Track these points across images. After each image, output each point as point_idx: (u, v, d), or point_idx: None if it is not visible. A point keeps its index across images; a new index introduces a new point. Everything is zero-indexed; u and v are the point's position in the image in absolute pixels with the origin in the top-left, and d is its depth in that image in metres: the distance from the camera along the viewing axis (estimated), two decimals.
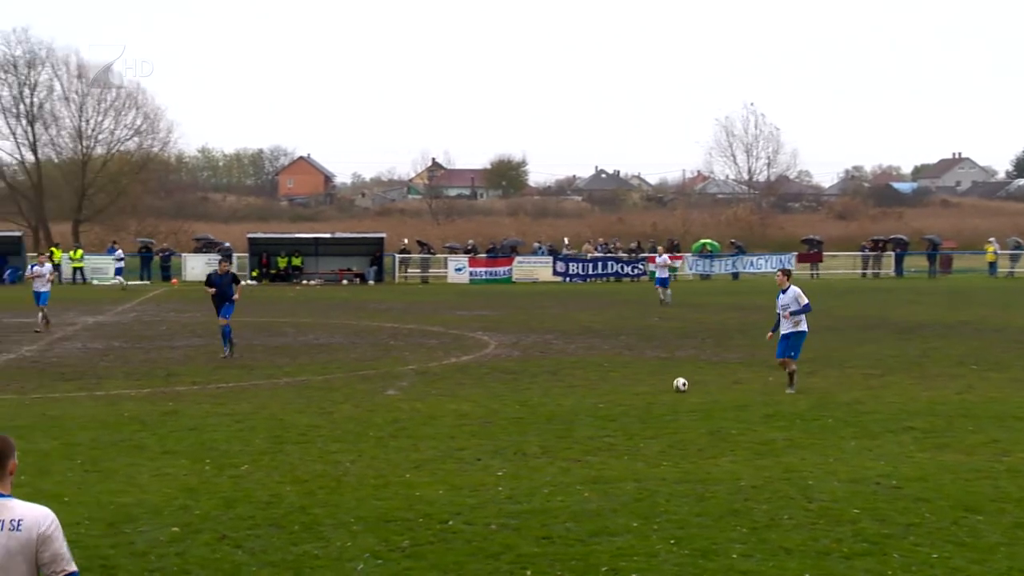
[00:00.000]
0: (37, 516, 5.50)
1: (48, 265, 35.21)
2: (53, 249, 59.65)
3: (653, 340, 30.08)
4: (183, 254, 64.00)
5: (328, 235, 66.64)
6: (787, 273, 20.64)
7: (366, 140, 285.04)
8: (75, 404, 19.50)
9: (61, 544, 5.51)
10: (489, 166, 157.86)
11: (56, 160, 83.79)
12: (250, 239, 63.40)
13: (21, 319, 35.84)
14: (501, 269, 61.74)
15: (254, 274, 60.33)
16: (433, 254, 65.19)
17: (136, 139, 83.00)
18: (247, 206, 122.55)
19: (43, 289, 33.00)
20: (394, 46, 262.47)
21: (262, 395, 20.61)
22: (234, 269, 31.99)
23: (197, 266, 61.06)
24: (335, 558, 10.50)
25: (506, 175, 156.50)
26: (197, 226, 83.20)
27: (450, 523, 11.66)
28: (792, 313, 19.87)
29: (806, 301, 19.99)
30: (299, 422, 17.64)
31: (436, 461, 14.71)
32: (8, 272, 57.15)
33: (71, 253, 60.19)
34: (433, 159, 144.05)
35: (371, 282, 60.02)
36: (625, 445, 15.66)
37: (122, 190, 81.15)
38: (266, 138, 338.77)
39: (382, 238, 64.14)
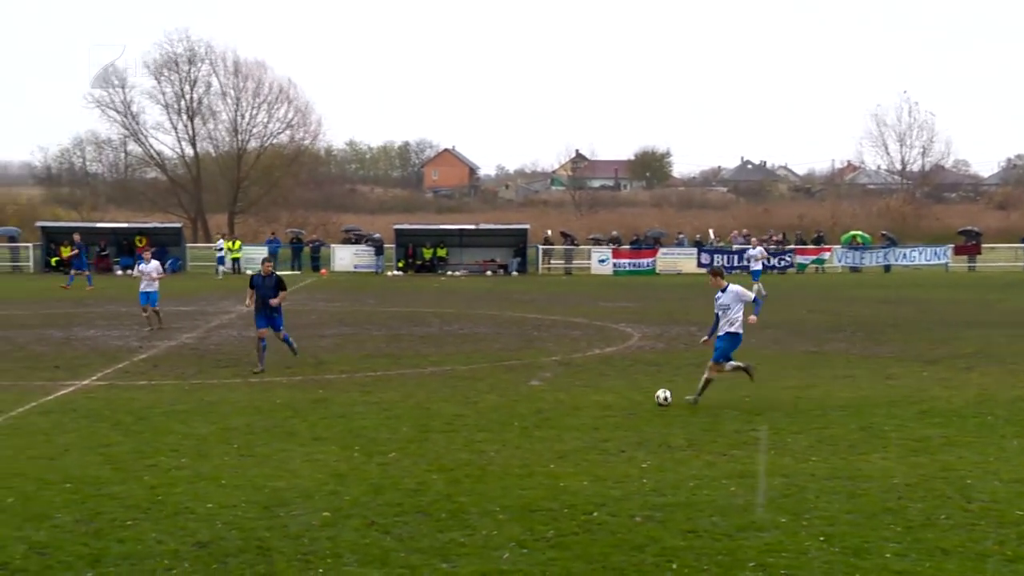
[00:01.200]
0: None
1: (155, 263, 30.89)
2: (221, 238, 61.51)
3: (802, 333, 29.48)
4: (332, 245, 65.30)
5: (472, 226, 67.17)
6: (717, 273, 19.57)
7: (510, 132, 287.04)
8: (231, 390, 20.06)
9: None
10: (633, 157, 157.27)
11: (213, 154, 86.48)
12: (396, 230, 64.28)
13: (182, 307, 37.11)
14: (645, 261, 61.34)
15: (400, 264, 61.25)
16: (576, 245, 65.13)
17: (288, 132, 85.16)
18: (393, 198, 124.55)
19: (150, 289, 30.11)
20: (538, 39, 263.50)
21: (409, 384, 20.88)
22: (280, 271, 31.86)
23: (346, 257, 62.35)
24: (481, 546, 10.56)
25: (650, 166, 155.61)
26: (345, 217, 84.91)
27: (594, 514, 11.61)
28: (756, 308, 19.15)
29: (751, 295, 19.16)
30: (445, 411, 17.82)
31: (580, 452, 14.68)
32: (169, 263, 59.18)
33: (229, 244, 61.94)
34: (577, 151, 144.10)
35: (514, 273, 60.29)
36: (772, 440, 15.38)
37: (274, 182, 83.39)
38: (412, 131, 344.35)
39: (526, 229, 64.38)
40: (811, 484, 12.77)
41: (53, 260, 57.49)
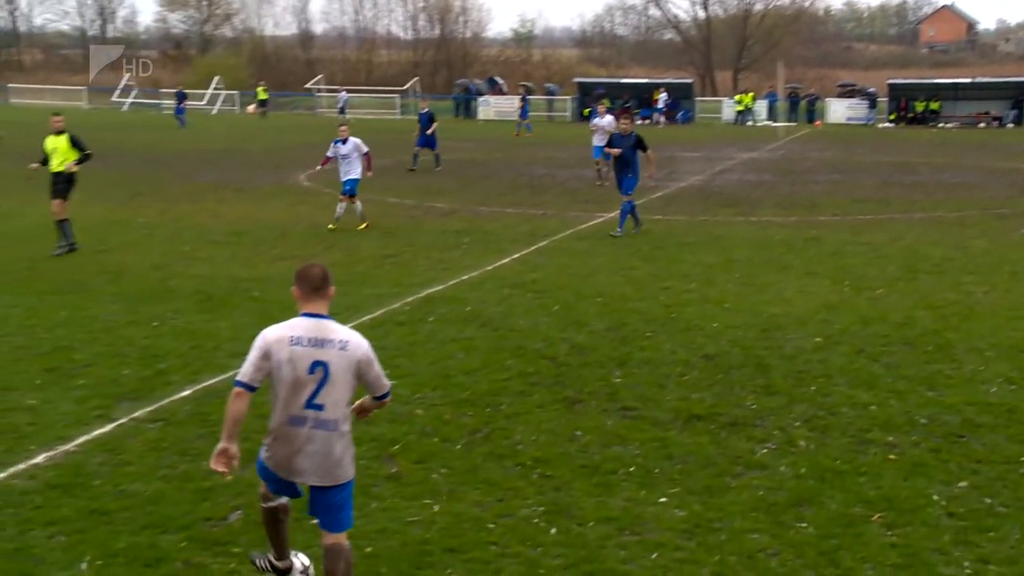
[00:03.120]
0: (359, 341, 5.53)
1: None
2: (745, 96, 60.79)
3: None
4: (827, 99, 62.73)
5: (968, 80, 61.47)
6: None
7: None
8: (733, 227, 20.16)
9: (378, 365, 5.61)
10: None
11: (722, 16, 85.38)
12: (890, 85, 60.39)
13: (690, 153, 37.60)
14: None
15: (891, 117, 57.72)
16: None
17: None
18: (888, 54, 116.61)
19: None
20: None
21: (898, 227, 19.84)
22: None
23: (839, 110, 59.77)
24: (967, 379, 9.97)
25: None
26: (840, 73, 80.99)
27: None
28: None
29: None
30: (933, 254, 16.80)
31: None
32: (681, 114, 59.81)
33: (740, 97, 61.24)
34: None
35: (1009, 125, 54.75)
36: None
37: (775, 42, 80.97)
38: None
39: (1023, 82, 57.89)
40: None
41: (586, 111, 60.14)
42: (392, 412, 8.96)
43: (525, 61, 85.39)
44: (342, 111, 56.16)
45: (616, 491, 7.40)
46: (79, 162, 16.84)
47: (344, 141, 19.13)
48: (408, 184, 27.16)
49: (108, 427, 8.53)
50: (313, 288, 5.54)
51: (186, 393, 9.44)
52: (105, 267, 15.32)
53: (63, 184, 16.78)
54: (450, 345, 11.23)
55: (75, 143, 16.81)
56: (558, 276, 15.08)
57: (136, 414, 8.85)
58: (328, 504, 5.54)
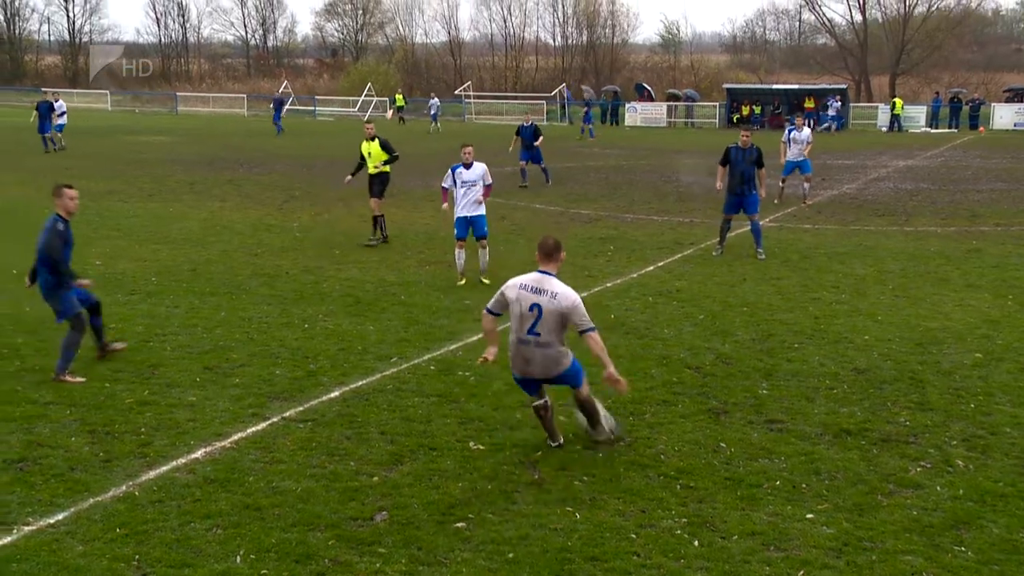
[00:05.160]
0: (567, 293, 7.94)
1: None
2: (896, 101, 58.96)
3: None
4: (992, 104, 60.07)
5: None
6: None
7: None
8: (886, 237, 19.52)
9: (584, 312, 7.97)
10: None
11: (880, 19, 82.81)
12: None
13: (843, 161, 36.58)
14: None
15: None
16: None
17: None
18: None
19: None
20: None
21: None
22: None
23: (1006, 115, 57.12)
24: None
25: None
26: (1008, 77, 77.43)
27: None
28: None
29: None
30: None
31: None
32: (833, 119, 58.24)
33: (897, 101, 59.20)
34: None
35: None
36: None
37: (937, 45, 78.03)
38: None
39: None
40: None
41: (735, 117, 59.22)
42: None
43: (673, 67, 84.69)
44: (434, 118, 55.98)
45: (761, 505, 7.26)
46: (387, 163, 18.57)
47: (468, 166, 15.18)
48: (553, 191, 27.28)
49: (261, 425, 8.85)
50: (546, 253, 8.07)
51: (335, 394, 9.71)
52: (260, 270, 15.90)
53: (378, 184, 18.61)
54: None
55: (384, 147, 18.59)
56: (704, 285, 14.89)
57: (287, 413, 9.15)
58: (561, 381, 8.17)
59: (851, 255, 17.39)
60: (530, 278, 8.07)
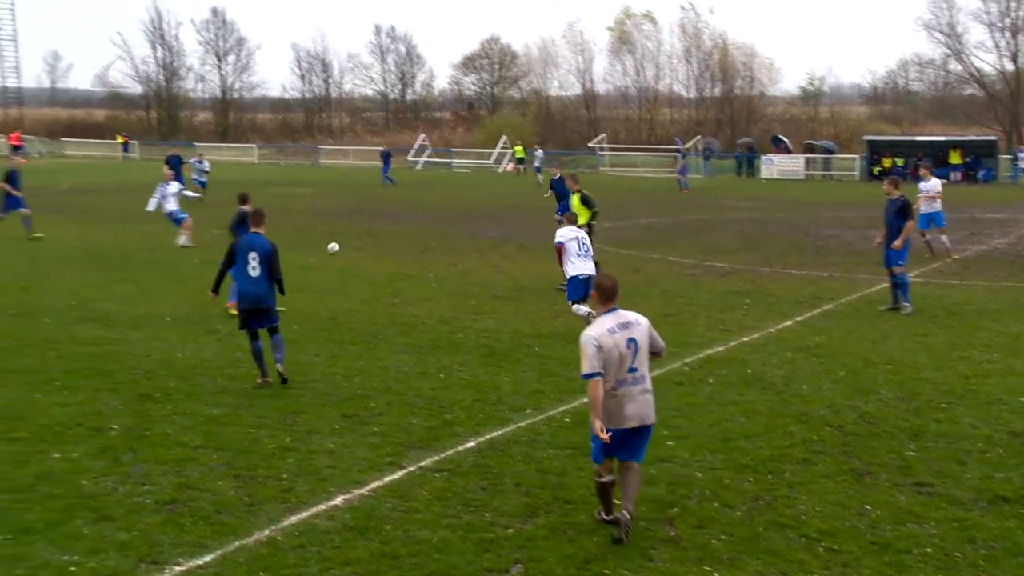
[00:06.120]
0: (639, 315, 7.73)
1: (935, 180, 24.77)
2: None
3: None
4: None
5: None
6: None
7: None
8: None
9: (655, 333, 7.77)
10: None
11: None
12: None
13: (994, 215, 35.29)
14: None
15: None
16: None
17: None
18: None
19: (930, 210, 24.14)
20: None
21: None
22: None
23: None
24: None
25: None
26: None
27: None
28: None
29: None
30: None
31: None
32: (983, 172, 56.33)
33: None
34: None
35: None
36: None
37: None
38: None
39: None
40: None
41: (875, 170, 57.81)
42: (670, 474, 8.91)
43: (812, 119, 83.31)
44: (538, 171, 55.99)
45: (911, 573, 6.98)
46: (591, 219, 19.13)
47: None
48: (688, 243, 27.07)
49: (398, 474, 8.98)
50: (609, 296, 7.70)
51: (470, 444, 9.78)
52: (397, 319, 16.21)
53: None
54: (730, 408, 11.04)
55: (584, 201, 19.23)
56: (844, 341, 14.50)
57: (423, 462, 9.26)
58: (641, 440, 7.65)
59: (1004, 312, 16.71)
60: (609, 320, 7.58)
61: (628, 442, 7.57)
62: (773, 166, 61.88)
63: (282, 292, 12.24)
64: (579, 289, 15.18)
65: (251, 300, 11.87)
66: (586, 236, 15.89)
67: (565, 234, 15.69)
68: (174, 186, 26.09)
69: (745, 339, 14.66)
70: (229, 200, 19.14)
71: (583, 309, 14.70)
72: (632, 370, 7.52)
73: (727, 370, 12.73)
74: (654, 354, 7.78)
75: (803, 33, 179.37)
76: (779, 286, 19.69)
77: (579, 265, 15.35)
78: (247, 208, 15.33)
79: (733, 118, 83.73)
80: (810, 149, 63.95)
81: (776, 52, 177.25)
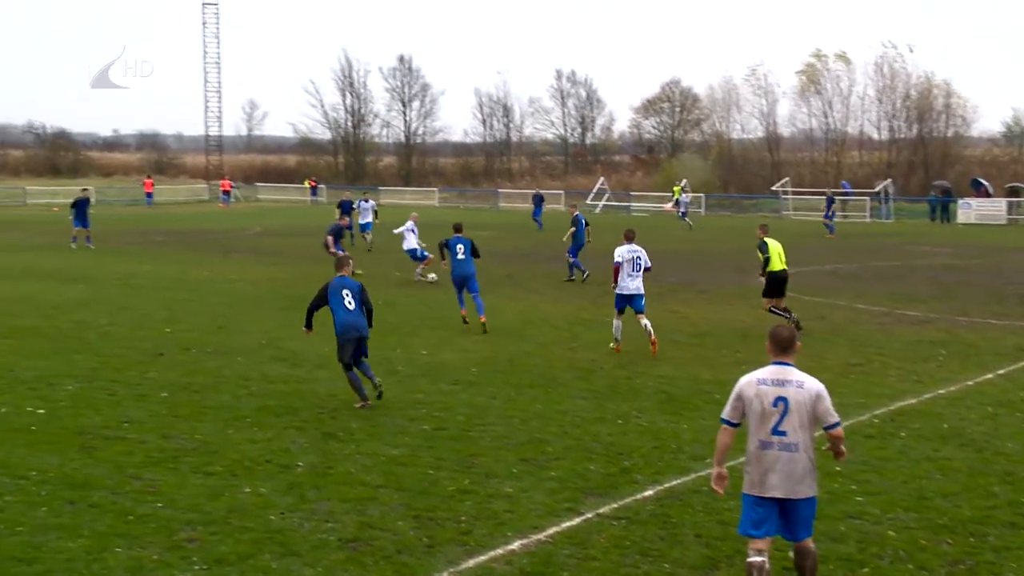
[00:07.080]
0: (813, 382, 7.01)
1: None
2: None
3: None
4: None
5: None
6: None
7: None
8: None
9: (828, 402, 7.00)
10: None
11: None
12: None
13: None
14: None
15: None
16: None
17: None
18: None
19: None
20: None
21: None
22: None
23: None
24: None
25: None
26: None
27: None
28: None
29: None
30: None
31: None
32: None
33: None
34: None
35: None
36: None
37: None
38: None
39: None
40: None
41: None
42: (860, 531, 8.59)
43: (1016, 159, 79.29)
44: (683, 216, 54.93)
45: None
46: (764, 266, 19.34)
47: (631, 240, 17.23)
48: (878, 290, 26.14)
49: (576, 520, 8.96)
50: (782, 348, 7.17)
51: (649, 493, 9.68)
52: (575, 363, 16.24)
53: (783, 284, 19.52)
54: (925, 464, 10.55)
55: (761, 248, 19.55)
56: None
57: (601, 510, 9.21)
58: (795, 516, 6.99)
59: None
60: (768, 371, 7.10)
61: (780, 516, 6.99)
62: (971, 210, 59.16)
63: (370, 324, 13.47)
64: (619, 302, 17.11)
65: (354, 329, 13.13)
66: (643, 254, 17.18)
67: (623, 253, 17.10)
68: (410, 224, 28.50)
69: (941, 392, 14.01)
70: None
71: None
72: (779, 432, 6.93)
73: (920, 424, 12.17)
74: (825, 428, 7.05)
75: (1008, 68, 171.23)
76: (978, 336, 18.75)
77: (625, 283, 17.03)
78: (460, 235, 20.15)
79: (927, 160, 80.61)
80: (1014, 192, 60.86)
81: (976, 89, 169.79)
